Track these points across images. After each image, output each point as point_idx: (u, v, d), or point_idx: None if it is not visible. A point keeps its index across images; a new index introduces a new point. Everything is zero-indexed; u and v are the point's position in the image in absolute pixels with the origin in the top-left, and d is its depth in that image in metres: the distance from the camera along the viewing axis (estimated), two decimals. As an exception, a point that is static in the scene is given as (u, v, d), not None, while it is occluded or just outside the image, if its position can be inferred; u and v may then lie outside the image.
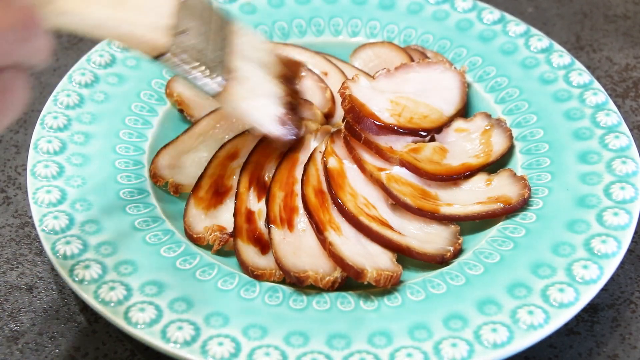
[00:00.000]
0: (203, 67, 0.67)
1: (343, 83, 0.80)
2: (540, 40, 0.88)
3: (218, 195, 0.76)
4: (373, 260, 0.69)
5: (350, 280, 0.69)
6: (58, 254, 0.68)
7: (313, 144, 0.79)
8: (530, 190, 0.74)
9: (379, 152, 0.77)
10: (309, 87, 0.85)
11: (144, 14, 0.64)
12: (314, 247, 0.71)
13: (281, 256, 0.69)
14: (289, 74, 0.77)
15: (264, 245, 0.71)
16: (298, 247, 0.70)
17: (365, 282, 0.67)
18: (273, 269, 0.69)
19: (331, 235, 0.70)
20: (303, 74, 0.84)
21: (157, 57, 0.65)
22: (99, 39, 0.82)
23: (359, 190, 0.75)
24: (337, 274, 0.69)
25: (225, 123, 0.81)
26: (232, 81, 0.68)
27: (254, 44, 0.75)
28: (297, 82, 0.78)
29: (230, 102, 0.69)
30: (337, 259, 0.69)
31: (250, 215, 0.74)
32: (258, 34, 0.78)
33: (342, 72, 0.86)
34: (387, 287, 0.68)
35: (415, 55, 0.88)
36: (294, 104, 0.75)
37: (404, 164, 0.76)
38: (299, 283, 0.68)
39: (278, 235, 0.71)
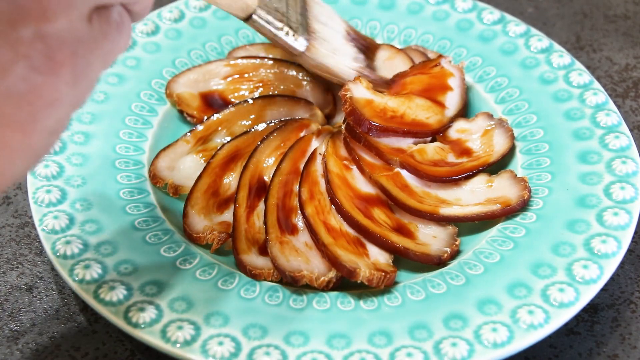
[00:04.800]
0: (287, 29, 0.76)
1: (344, 85, 0.80)
2: (540, 40, 0.88)
3: (217, 195, 0.76)
4: (367, 260, 0.69)
5: (350, 280, 0.69)
6: (58, 254, 0.68)
7: (314, 144, 0.79)
8: (530, 192, 0.74)
9: (379, 154, 0.77)
10: (309, 88, 0.85)
11: None
12: (310, 247, 0.71)
13: (277, 255, 0.69)
14: (362, 42, 0.85)
15: (262, 245, 0.71)
16: (294, 246, 0.70)
17: (359, 281, 0.67)
18: (271, 268, 0.69)
19: (325, 236, 0.70)
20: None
21: (247, 18, 0.74)
22: None
23: (358, 191, 0.75)
24: (332, 274, 0.68)
25: (225, 126, 0.81)
26: (314, 41, 0.78)
27: (328, 13, 0.82)
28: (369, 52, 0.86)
29: (313, 59, 0.78)
30: (330, 258, 0.68)
31: (249, 215, 0.74)
32: (330, 7, 0.86)
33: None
34: (380, 287, 0.68)
35: (415, 55, 0.88)
36: (370, 60, 0.84)
37: (404, 165, 0.76)
38: (295, 282, 0.68)
39: (275, 235, 0.71)
